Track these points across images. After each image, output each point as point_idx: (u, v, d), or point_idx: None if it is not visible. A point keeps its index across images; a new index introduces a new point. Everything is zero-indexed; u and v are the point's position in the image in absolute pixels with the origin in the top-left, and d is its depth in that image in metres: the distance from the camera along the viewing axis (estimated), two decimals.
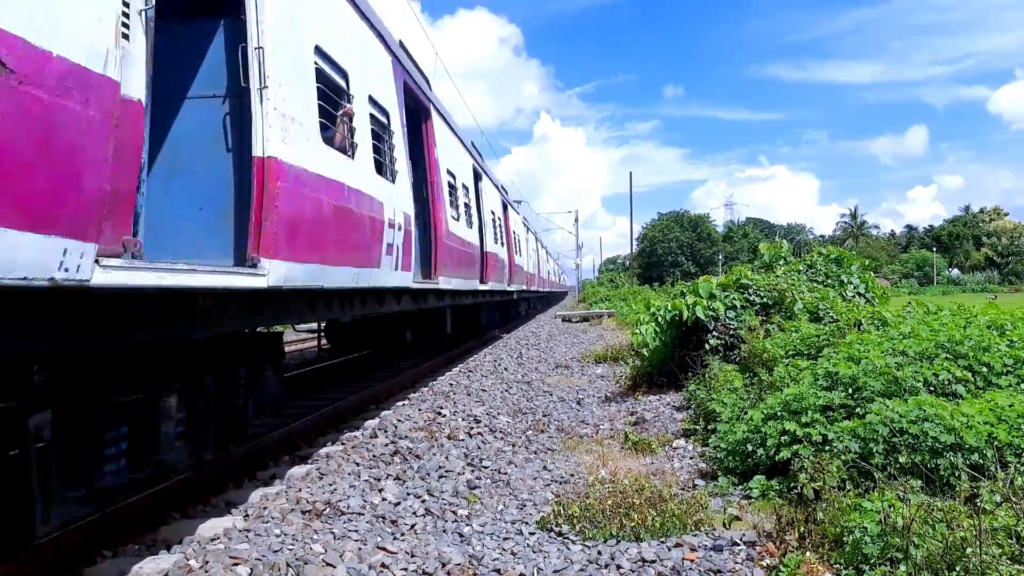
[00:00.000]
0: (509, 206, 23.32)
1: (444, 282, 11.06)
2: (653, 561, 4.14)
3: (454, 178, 12.76)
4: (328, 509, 5.05)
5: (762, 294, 10.17)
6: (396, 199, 8.21)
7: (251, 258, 4.88)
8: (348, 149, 6.71)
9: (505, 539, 4.61)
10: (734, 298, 9.97)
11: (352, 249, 6.75)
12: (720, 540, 4.38)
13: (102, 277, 3.22)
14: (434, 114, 11.35)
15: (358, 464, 6.28)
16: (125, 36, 3.42)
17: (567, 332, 24.88)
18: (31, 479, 3.73)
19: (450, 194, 12.15)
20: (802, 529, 4.24)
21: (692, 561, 4.13)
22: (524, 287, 26.63)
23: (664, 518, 4.71)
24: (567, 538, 4.62)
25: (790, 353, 7.96)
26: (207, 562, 3.98)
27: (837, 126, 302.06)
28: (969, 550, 3.32)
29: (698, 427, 7.38)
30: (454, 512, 5.16)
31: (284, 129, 5.20)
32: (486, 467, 6.39)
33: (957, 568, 3.30)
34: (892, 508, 3.76)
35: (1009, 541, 3.48)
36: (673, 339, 10.29)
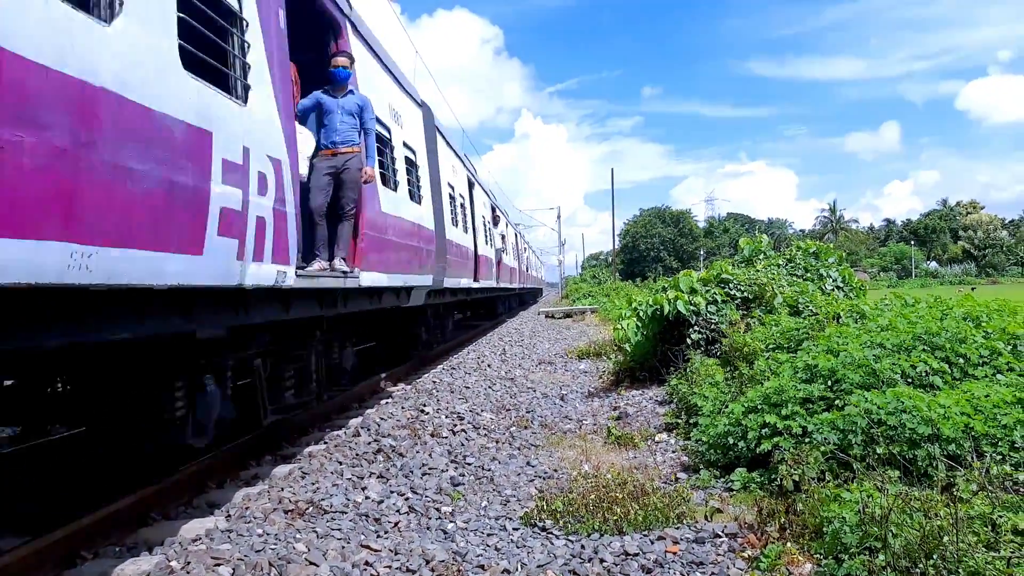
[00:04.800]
0: (509, 224, 33.22)
1: (483, 283, 19.60)
2: (636, 554, 4.16)
3: (484, 219, 21.34)
4: (311, 508, 5.03)
5: (743, 288, 10.24)
6: (468, 242, 16.96)
7: (438, 278, 11.90)
8: (458, 224, 15.58)
9: (489, 535, 4.62)
10: (715, 293, 10.03)
11: (461, 269, 15.71)
12: (702, 532, 4.41)
13: None
14: (476, 185, 20.24)
15: (341, 463, 6.26)
16: None
17: (550, 328, 24.93)
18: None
19: (483, 229, 20.64)
20: (783, 520, 4.28)
21: (674, 554, 4.16)
22: (521, 285, 37.45)
23: (647, 511, 4.73)
24: (551, 533, 4.64)
25: (770, 347, 8.03)
26: (188, 563, 3.96)
27: (817, 122, 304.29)
28: (946, 538, 3.37)
29: (680, 421, 7.43)
30: (438, 509, 5.16)
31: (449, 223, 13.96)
32: (469, 464, 6.39)
33: (934, 556, 3.34)
34: (870, 498, 3.80)
35: (985, 529, 3.53)
36: (655, 334, 10.34)
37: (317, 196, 7.01)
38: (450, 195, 14.89)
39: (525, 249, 43.94)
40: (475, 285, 18.22)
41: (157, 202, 3.90)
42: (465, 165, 18.81)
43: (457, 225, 15.39)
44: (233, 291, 5.18)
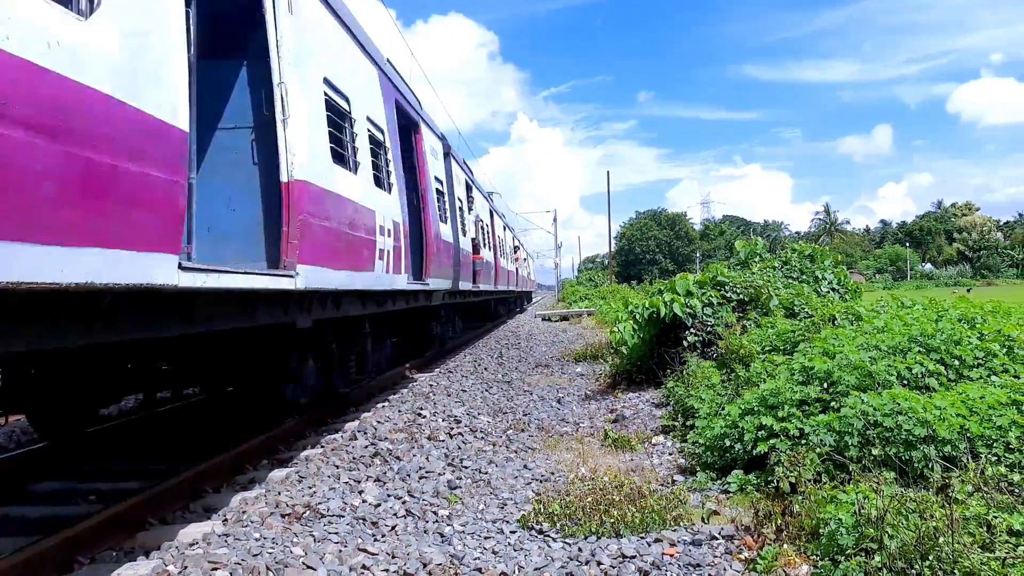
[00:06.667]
0: (515, 236, 35.55)
1: (500, 286, 23.11)
2: (633, 557, 4.17)
3: (500, 232, 25.45)
4: (308, 512, 5.03)
5: (738, 291, 10.27)
6: (486, 254, 19.62)
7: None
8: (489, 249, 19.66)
9: (486, 538, 4.62)
10: (711, 295, 10.05)
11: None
12: (699, 534, 4.42)
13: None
14: (495, 214, 24.56)
15: (338, 466, 6.26)
16: None
17: (547, 331, 24.92)
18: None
19: (500, 244, 24.39)
20: (779, 522, 4.29)
21: (671, 556, 4.16)
22: (526, 289, 42.40)
23: (643, 514, 4.74)
24: (548, 536, 4.64)
25: (766, 349, 8.06)
26: (186, 567, 3.96)
27: (811, 125, 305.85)
28: (941, 539, 3.38)
29: (677, 423, 7.44)
30: (435, 512, 5.16)
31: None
32: (467, 467, 6.39)
33: (930, 557, 3.36)
34: (866, 500, 3.82)
35: (980, 530, 3.55)
36: (651, 336, 10.35)
37: None
38: None
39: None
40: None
41: None
42: None
43: None
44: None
